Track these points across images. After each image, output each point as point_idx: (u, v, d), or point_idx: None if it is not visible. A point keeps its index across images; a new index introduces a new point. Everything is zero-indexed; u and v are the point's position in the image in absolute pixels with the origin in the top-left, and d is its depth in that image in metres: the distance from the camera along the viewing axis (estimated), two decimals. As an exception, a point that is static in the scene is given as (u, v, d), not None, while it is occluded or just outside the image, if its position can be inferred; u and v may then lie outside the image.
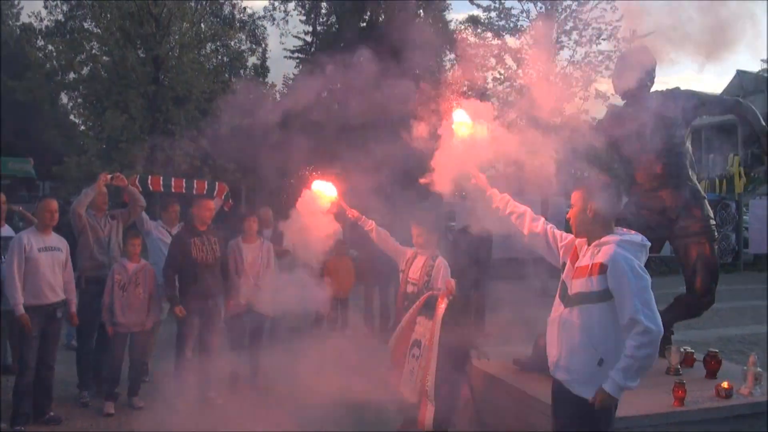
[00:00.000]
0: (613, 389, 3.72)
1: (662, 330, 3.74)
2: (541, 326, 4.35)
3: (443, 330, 5.45)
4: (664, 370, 6.37)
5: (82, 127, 25.93)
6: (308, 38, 34.55)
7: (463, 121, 5.19)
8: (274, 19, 37.60)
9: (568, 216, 4.17)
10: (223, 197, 9.63)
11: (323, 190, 6.75)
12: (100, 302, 7.56)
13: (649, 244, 3.96)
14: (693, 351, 6.80)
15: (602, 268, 3.77)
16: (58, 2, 29.38)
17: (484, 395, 6.22)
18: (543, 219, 4.49)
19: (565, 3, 15.85)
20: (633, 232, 4.00)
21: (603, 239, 3.90)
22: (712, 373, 6.22)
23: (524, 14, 17.59)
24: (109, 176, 7.86)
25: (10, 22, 42.32)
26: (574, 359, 3.92)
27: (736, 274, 23.21)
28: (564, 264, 4.20)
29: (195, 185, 9.73)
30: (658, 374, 6.25)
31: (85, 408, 7.66)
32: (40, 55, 28.28)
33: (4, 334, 7.10)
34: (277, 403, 7.96)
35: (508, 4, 16.29)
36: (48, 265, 6.91)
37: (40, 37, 32.84)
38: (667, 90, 6.89)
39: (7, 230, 7.46)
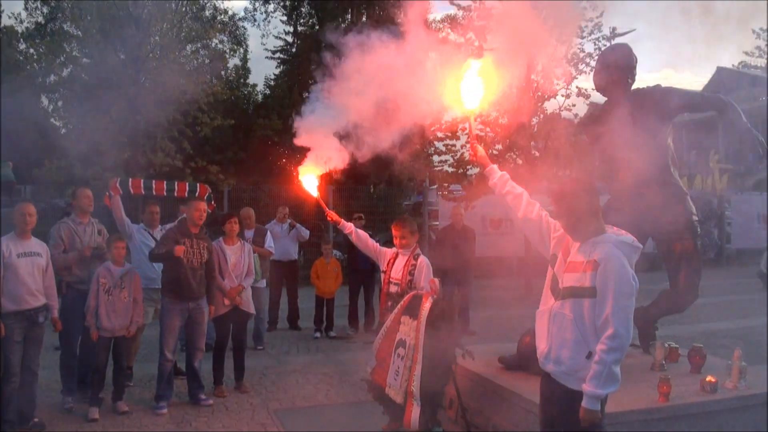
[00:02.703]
0: (589, 402, 3.75)
1: (630, 338, 3.80)
2: (525, 324, 4.34)
3: (428, 329, 5.44)
4: (648, 366, 6.38)
5: (63, 130, 25.81)
6: (289, 38, 34.53)
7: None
8: (255, 20, 37.54)
9: (557, 220, 4.14)
10: (204, 199, 9.58)
11: (307, 189, 6.78)
12: (82, 307, 7.51)
13: (641, 246, 3.98)
14: (678, 346, 6.82)
15: (595, 265, 3.78)
16: (39, 4, 29.21)
17: (470, 394, 6.21)
18: (539, 205, 4.45)
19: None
20: (624, 232, 4.01)
21: (599, 237, 3.91)
22: (696, 367, 6.23)
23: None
24: (93, 247, 7.76)
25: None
26: (564, 351, 3.92)
27: (720, 269, 23.39)
28: (554, 256, 4.19)
29: (176, 187, 9.67)
30: (643, 370, 6.27)
31: (70, 413, 7.58)
32: (20, 57, 28.09)
33: None
34: (263, 403, 7.96)
35: (488, 4, 16.20)
36: (28, 270, 6.81)
37: (21, 39, 32.68)
38: (648, 87, 6.90)
39: None
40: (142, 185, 9.67)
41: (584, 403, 3.75)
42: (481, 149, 4.87)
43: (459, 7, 16.52)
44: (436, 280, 5.90)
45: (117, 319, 7.48)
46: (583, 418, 3.76)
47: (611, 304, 3.72)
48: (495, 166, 4.74)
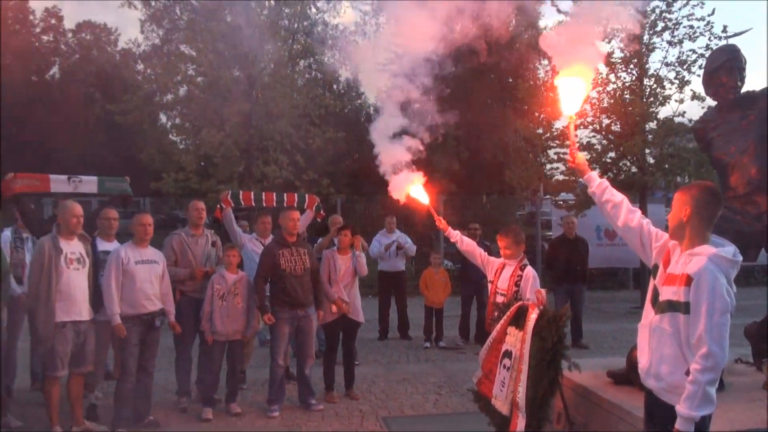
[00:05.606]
0: (682, 424, 3.59)
1: (726, 356, 3.62)
2: (635, 338, 4.23)
3: (534, 340, 5.39)
4: (760, 384, 6.11)
5: (181, 146, 26.76)
6: (400, 51, 34.63)
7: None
8: (365, 33, 37.93)
9: (668, 217, 4.02)
10: (314, 209, 9.78)
11: (418, 198, 6.88)
12: (193, 313, 7.90)
13: (740, 259, 3.79)
14: (793, 364, 6.50)
15: (689, 280, 3.65)
16: (154, 27, 30.47)
17: (577, 407, 6.10)
18: (639, 212, 4.31)
19: (653, 3, 15.41)
20: (726, 243, 3.85)
21: (696, 249, 3.76)
22: (813, 385, 5.93)
23: (614, 16, 17.09)
24: (204, 270, 8.07)
25: (109, 49, 44.17)
26: (663, 367, 3.80)
27: None
28: (656, 267, 4.07)
29: (285, 198, 9.90)
30: (754, 389, 6.00)
31: (184, 413, 7.94)
32: (139, 77, 29.35)
33: (100, 343, 7.39)
34: (372, 410, 8.05)
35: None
36: (145, 276, 7.21)
37: (138, 61, 34.20)
38: (761, 89, 6.64)
39: (115, 245, 7.71)
40: (252, 197, 9.93)
41: (677, 425, 3.60)
42: (580, 156, 4.76)
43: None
44: (543, 291, 5.83)
45: (231, 324, 7.78)
46: None
47: (704, 322, 3.56)
48: (594, 173, 4.62)
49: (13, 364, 8.20)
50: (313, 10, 27.90)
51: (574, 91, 4.87)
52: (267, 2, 22.87)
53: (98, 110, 30.16)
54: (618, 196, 4.41)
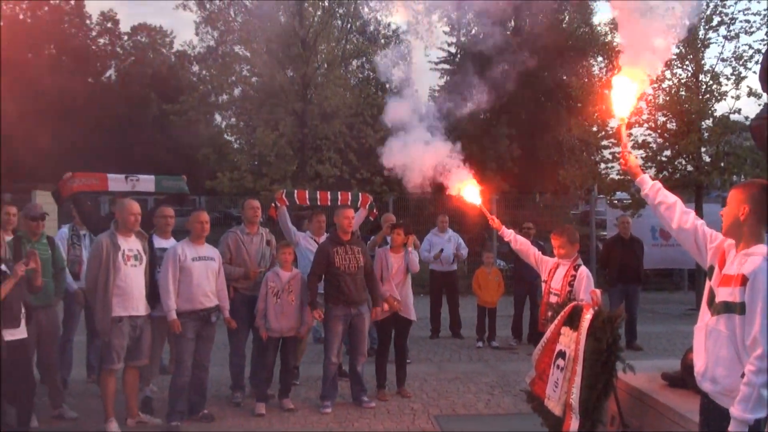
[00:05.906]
0: (736, 426, 3.51)
1: None
2: (691, 340, 4.15)
3: (588, 341, 5.34)
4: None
5: (236, 145, 27.14)
6: (452, 49, 34.57)
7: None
8: (417, 33, 37.90)
9: (721, 213, 3.95)
10: (367, 207, 9.81)
11: (469, 198, 6.89)
12: (246, 310, 8.02)
13: None
14: None
15: (744, 280, 3.58)
16: (209, 29, 30.95)
17: (631, 410, 6.03)
18: (693, 213, 4.22)
19: (708, -3, 15.13)
20: None
21: (752, 249, 3.69)
22: None
23: (669, 11, 16.79)
24: (259, 271, 8.18)
25: (164, 51, 44.95)
26: (719, 369, 3.73)
27: None
28: (711, 268, 4.00)
29: (339, 197, 9.95)
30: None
31: (238, 408, 8.05)
32: (194, 78, 29.85)
33: (156, 337, 7.55)
34: (424, 408, 8.05)
35: (652, 3, 15.62)
36: (201, 273, 7.33)
37: (194, 62, 34.81)
38: None
39: (171, 242, 7.85)
40: (307, 196, 10.00)
41: (731, 427, 3.53)
42: (632, 158, 4.68)
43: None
44: (598, 291, 5.76)
45: (285, 321, 7.86)
46: None
47: (759, 322, 3.47)
48: (646, 176, 4.53)
49: (69, 356, 8.47)
50: (366, 9, 28.07)
51: (627, 93, 4.81)
52: (321, 2, 23.07)
53: (154, 111, 30.69)
54: (671, 198, 4.33)
